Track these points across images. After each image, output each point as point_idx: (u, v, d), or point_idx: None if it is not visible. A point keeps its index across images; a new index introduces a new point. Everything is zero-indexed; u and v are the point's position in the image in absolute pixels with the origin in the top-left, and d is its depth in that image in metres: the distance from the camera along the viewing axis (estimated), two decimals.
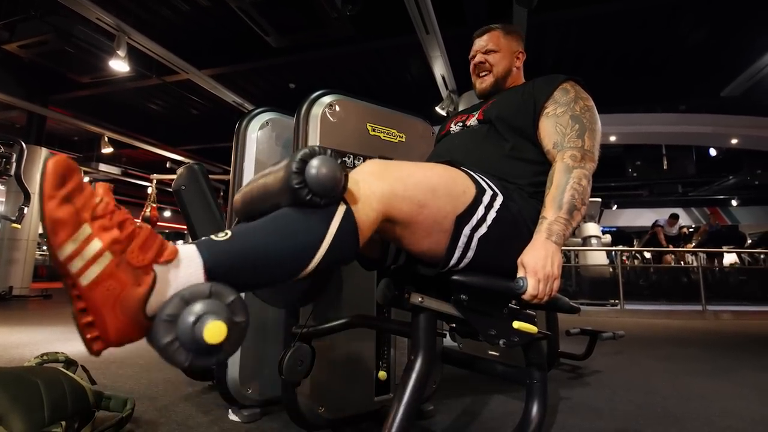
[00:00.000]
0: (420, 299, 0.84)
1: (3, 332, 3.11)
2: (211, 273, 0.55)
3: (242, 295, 0.58)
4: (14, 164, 2.96)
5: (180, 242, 0.58)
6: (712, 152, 8.39)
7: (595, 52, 5.26)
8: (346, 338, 1.25)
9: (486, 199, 0.85)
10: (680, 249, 7.37)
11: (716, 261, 7.62)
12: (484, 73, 1.20)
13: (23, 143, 3.05)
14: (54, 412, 1.06)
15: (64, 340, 2.81)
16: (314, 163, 0.64)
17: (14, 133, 7.22)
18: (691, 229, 9.09)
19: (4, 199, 6.52)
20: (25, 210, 3.08)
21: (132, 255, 0.51)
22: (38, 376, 1.12)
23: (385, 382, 1.34)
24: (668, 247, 7.28)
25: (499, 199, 0.87)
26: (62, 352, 1.35)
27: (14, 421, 1.00)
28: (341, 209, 0.67)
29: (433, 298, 0.86)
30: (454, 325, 1.02)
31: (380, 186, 0.74)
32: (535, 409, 0.95)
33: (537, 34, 4.28)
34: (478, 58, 1.21)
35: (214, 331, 0.50)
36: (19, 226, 3.14)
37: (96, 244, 0.49)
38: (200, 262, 0.55)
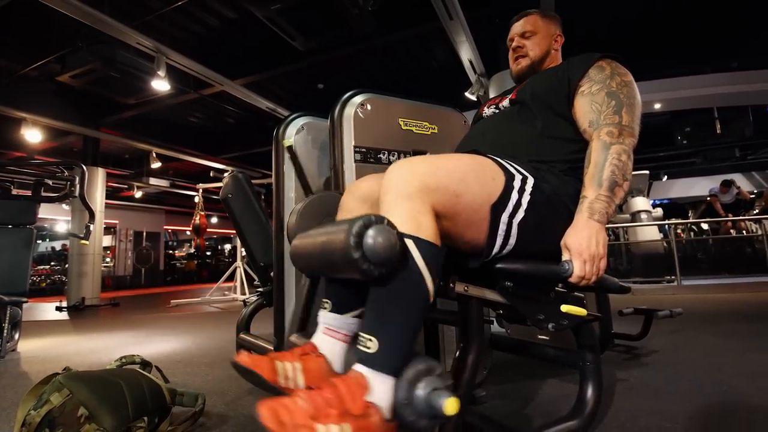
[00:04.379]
0: (465, 288, 0.86)
1: (81, 339, 3.41)
2: (396, 374, 0.67)
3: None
4: (78, 186, 3.21)
5: (362, 370, 0.67)
6: None
7: (630, 15, 4.97)
8: None
9: (517, 183, 0.85)
10: (740, 217, 6.83)
11: None
12: (521, 57, 1.20)
13: (83, 166, 3.30)
14: (137, 409, 1.18)
15: (135, 344, 3.05)
16: (371, 233, 0.66)
17: (73, 156, 7.83)
18: (752, 195, 8.41)
19: (70, 218, 7.08)
20: (91, 227, 3.34)
21: (352, 406, 0.62)
22: (120, 377, 1.24)
23: None
24: (727, 216, 6.78)
25: (531, 181, 0.87)
26: (138, 355, 1.48)
27: (104, 419, 1.11)
28: (410, 243, 0.70)
29: (478, 286, 0.87)
30: (501, 311, 1.03)
31: (415, 185, 0.75)
32: (589, 392, 0.94)
33: (566, 2, 4.10)
34: (516, 42, 1.21)
35: (451, 407, 0.62)
36: (87, 242, 3.41)
37: (334, 429, 0.59)
38: (388, 378, 0.67)
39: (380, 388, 0.65)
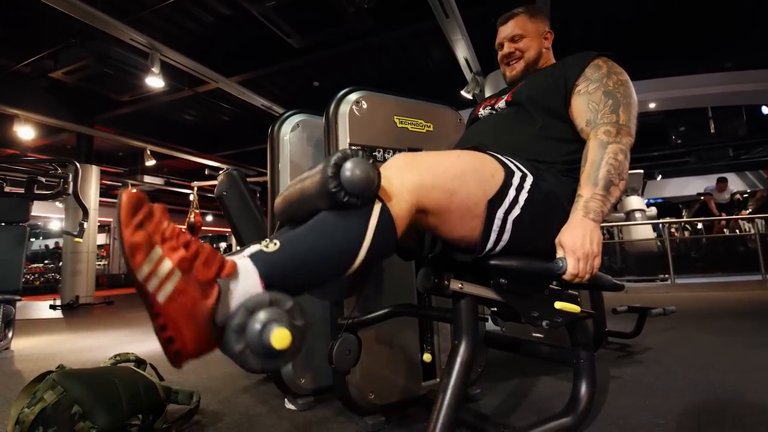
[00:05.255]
0: (459, 285, 0.86)
1: (75, 338, 3.39)
2: (267, 282, 0.61)
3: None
4: (71, 183, 3.19)
5: (235, 256, 0.63)
6: (765, 110, 7.75)
7: (624, 15, 4.99)
8: (390, 327, 1.29)
9: (516, 180, 0.85)
10: (734, 216, 6.89)
11: None
12: (514, 62, 1.19)
13: (77, 163, 3.27)
14: (131, 407, 1.17)
15: (130, 342, 3.03)
16: (348, 165, 0.67)
17: (66, 154, 7.77)
18: (746, 195, 8.48)
19: (64, 216, 7.03)
20: (85, 225, 3.32)
21: (198, 271, 0.56)
22: (115, 375, 1.23)
23: (431, 368, 1.38)
24: (720, 215, 6.83)
25: (530, 179, 0.87)
26: (132, 353, 1.47)
27: (99, 417, 1.11)
28: (377, 207, 0.69)
29: (472, 283, 0.88)
30: (495, 309, 1.04)
31: (410, 178, 0.76)
32: (583, 389, 0.95)
33: (561, 2, 4.10)
34: (507, 48, 1.19)
35: (280, 337, 0.54)
36: (81, 240, 3.39)
37: (167, 264, 0.54)
38: (257, 274, 0.60)
39: (239, 284, 0.58)
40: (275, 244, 0.64)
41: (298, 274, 0.64)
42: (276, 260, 0.63)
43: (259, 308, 0.56)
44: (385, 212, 0.70)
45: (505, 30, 1.20)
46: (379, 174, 0.70)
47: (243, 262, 0.61)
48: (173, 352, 0.54)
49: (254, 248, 0.64)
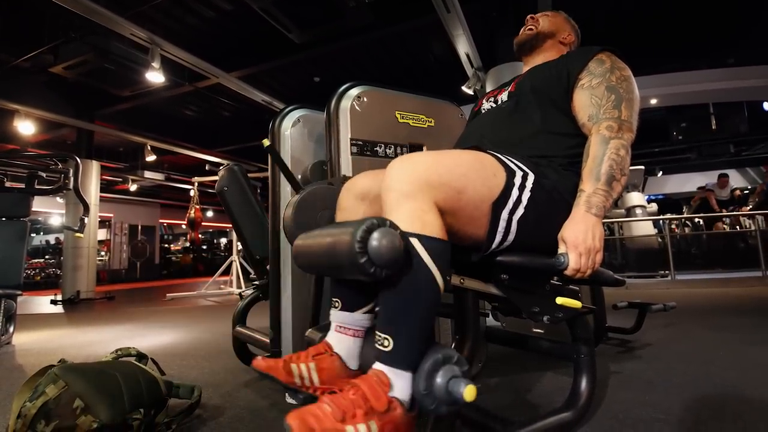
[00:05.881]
0: (461, 281, 0.86)
1: (76, 333, 3.40)
2: (412, 369, 0.69)
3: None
4: (72, 178, 3.19)
5: (381, 368, 0.70)
6: (766, 106, 7.73)
7: (626, 10, 4.96)
8: None
9: (518, 180, 0.85)
10: (734, 213, 6.89)
11: None
12: (529, 29, 1.24)
13: (78, 158, 3.27)
14: (133, 401, 1.17)
15: (131, 337, 3.04)
16: (375, 236, 0.66)
17: (66, 149, 7.76)
18: (746, 191, 8.46)
19: (64, 211, 7.03)
20: (86, 220, 3.31)
21: (375, 402, 0.65)
22: (116, 370, 1.24)
23: None
24: (721, 211, 6.83)
25: (531, 177, 0.87)
26: (134, 347, 1.48)
27: (100, 411, 1.11)
28: (415, 241, 0.70)
29: (473, 278, 0.88)
30: (496, 304, 1.04)
31: (417, 183, 0.75)
32: (584, 384, 0.95)
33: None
34: (530, 17, 1.26)
35: (471, 392, 0.65)
36: (82, 236, 3.38)
37: (361, 428, 0.62)
38: (406, 376, 0.69)
39: (400, 383, 0.68)
40: (388, 340, 0.70)
41: (421, 344, 0.71)
42: (405, 356, 0.69)
43: (437, 368, 0.68)
44: (423, 238, 0.71)
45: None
46: (407, 239, 0.70)
47: (393, 380, 0.68)
48: None
49: (383, 354, 0.70)
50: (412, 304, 0.71)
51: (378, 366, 0.70)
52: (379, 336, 0.71)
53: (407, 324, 0.70)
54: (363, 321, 0.87)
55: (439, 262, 0.71)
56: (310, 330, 1.10)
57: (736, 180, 10.38)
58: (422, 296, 0.71)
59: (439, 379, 0.67)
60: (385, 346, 0.70)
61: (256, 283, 2.03)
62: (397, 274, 0.69)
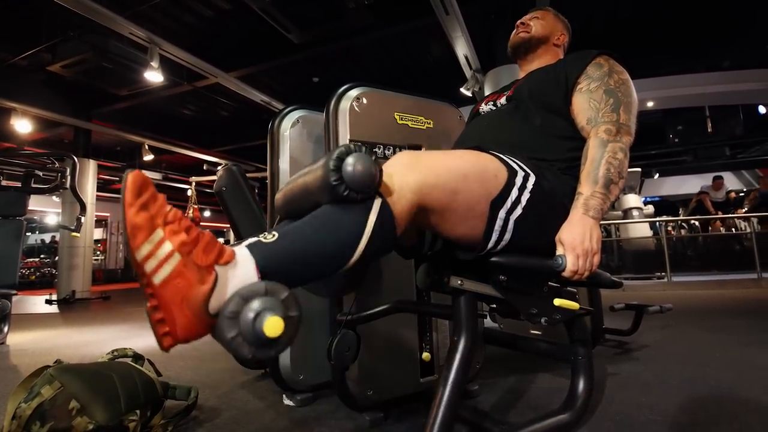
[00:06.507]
0: (459, 282, 0.86)
1: (72, 333, 3.38)
2: (264, 272, 0.60)
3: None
4: (69, 177, 3.17)
5: (235, 245, 0.63)
6: (762, 110, 7.78)
7: (624, 12, 4.99)
8: (389, 323, 1.29)
9: (518, 180, 0.85)
10: (729, 215, 6.93)
11: None
12: (522, 32, 1.24)
13: (75, 157, 3.26)
14: (129, 402, 1.17)
15: (127, 337, 3.03)
16: (350, 160, 0.67)
17: (64, 148, 7.72)
18: (741, 194, 8.52)
19: (61, 210, 7.00)
20: (82, 219, 3.30)
21: (197, 256, 0.57)
22: (112, 370, 1.23)
23: (429, 364, 1.38)
24: (716, 214, 6.87)
25: (532, 178, 0.87)
26: (130, 348, 1.47)
27: (96, 412, 1.10)
28: (377, 203, 0.69)
29: (472, 280, 0.88)
30: (494, 305, 1.04)
31: (413, 176, 0.75)
32: (581, 385, 0.95)
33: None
34: (522, 20, 1.26)
35: (273, 326, 0.54)
36: (78, 235, 3.37)
37: (167, 246, 0.55)
38: (253, 264, 0.60)
39: (236, 272, 0.59)
40: (273, 235, 0.64)
41: (295, 266, 0.64)
42: (273, 251, 0.63)
43: (253, 296, 0.56)
44: (385, 208, 0.70)
45: (529, 14, 1.28)
46: (380, 170, 0.70)
47: (241, 251, 0.61)
48: (162, 334, 0.54)
49: (253, 239, 0.64)
50: (321, 233, 0.66)
51: (240, 244, 0.63)
52: (268, 232, 0.65)
53: (300, 241, 0.65)
54: None
55: (375, 236, 0.67)
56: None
57: (732, 182, 10.45)
58: (335, 238, 0.66)
59: (251, 311, 0.55)
60: (264, 238, 0.64)
61: None
62: (337, 208, 0.67)
